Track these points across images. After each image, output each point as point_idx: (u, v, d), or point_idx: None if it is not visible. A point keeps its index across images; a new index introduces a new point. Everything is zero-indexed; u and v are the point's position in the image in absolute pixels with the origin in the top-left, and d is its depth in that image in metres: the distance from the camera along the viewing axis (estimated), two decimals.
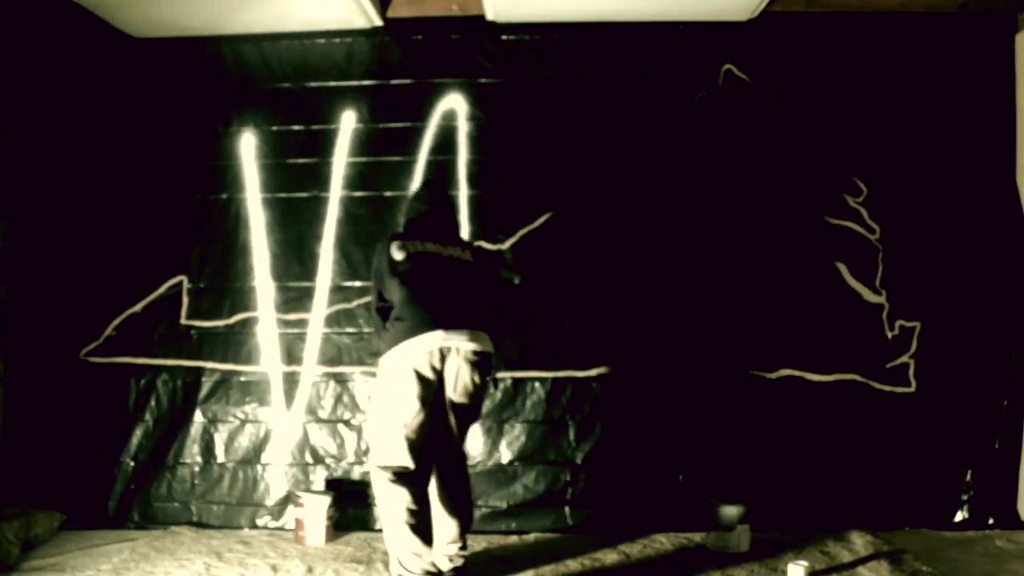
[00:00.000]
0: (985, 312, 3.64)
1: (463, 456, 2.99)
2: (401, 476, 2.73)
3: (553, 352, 3.64)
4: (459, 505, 2.89)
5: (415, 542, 2.70)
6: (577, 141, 3.69)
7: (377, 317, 2.92)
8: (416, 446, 2.72)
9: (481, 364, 2.79)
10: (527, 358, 3.63)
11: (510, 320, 3.52)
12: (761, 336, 3.63)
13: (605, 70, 3.70)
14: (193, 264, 3.74)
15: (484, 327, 2.82)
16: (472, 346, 2.73)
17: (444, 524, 2.86)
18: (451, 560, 2.85)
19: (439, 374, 2.74)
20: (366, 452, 3.62)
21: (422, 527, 2.73)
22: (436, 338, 2.69)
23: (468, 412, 2.86)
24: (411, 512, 2.70)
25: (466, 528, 2.90)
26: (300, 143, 3.74)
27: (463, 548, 2.88)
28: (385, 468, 2.74)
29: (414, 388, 2.70)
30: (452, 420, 2.82)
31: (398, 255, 2.84)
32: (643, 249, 3.66)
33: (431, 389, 2.73)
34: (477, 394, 2.82)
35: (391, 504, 2.72)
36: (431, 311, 2.73)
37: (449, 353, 2.73)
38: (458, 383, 2.75)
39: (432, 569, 2.75)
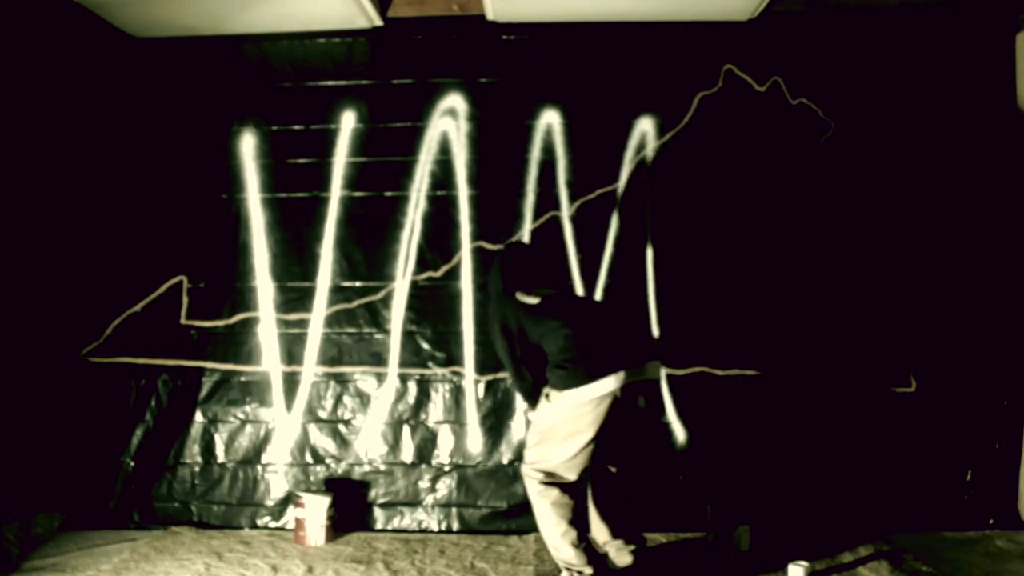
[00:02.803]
0: (985, 312, 3.64)
1: (621, 466, 2.96)
2: (555, 481, 2.79)
3: None
4: (610, 511, 2.94)
5: (565, 526, 2.75)
6: (575, 140, 3.69)
7: (518, 367, 2.90)
8: (581, 466, 2.77)
9: (649, 390, 2.84)
10: None
11: None
12: (759, 335, 3.63)
13: (605, 70, 3.70)
14: (193, 264, 3.74)
15: (653, 353, 2.88)
16: (648, 377, 2.79)
17: (597, 525, 2.94)
18: (617, 552, 2.91)
19: (612, 412, 2.73)
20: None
21: (574, 517, 2.77)
22: (619, 379, 2.69)
23: (630, 441, 2.91)
24: (564, 505, 2.76)
25: (618, 532, 2.93)
26: (300, 143, 3.74)
27: (628, 542, 2.93)
28: (541, 472, 2.79)
29: (593, 427, 2.70)
30: (614, 438, 2.84)
31: (531, 300, 2.86)
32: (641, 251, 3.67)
33: (601, 426, 2.73)
34: (639, 415, 2.85)
35: (543, 502, 2.77)
36: (605, 350, 2.75)
37: (627, 391, 2.74)
38: (632, 416, 2.79)
39: (584, 554, 2.78)
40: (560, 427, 2.77)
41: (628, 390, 2.73)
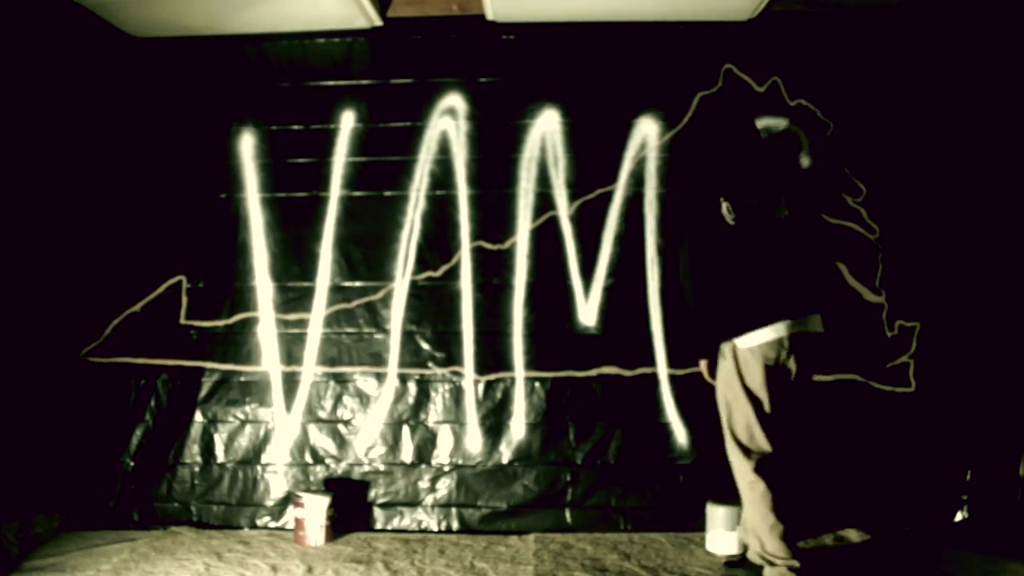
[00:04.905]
0: (986, 312, 3.63)
1: (791, 454, 2.94)
2: (759, 463, 2.82)
3: (554, 352, 3.65)
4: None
5: (773, 519, 2.77)
6: (575, 140, 3.69)
7: (691, 285, 2.98)
8: (766, 429, 2.81)
9: (815, 347, 2.86)
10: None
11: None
12: None
13: (605, 70, 3.70)
14: (192, 264, 3.75)
15: (817, 306, 2.87)
16: (811, 330, 2.82)
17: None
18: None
19: (781, 361, 2.82)
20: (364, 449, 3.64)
21: (781, 507, 2.79)
22: (783, 328, 2.78)
23: (804, 397, 2.90)
24: (770, 495, 2.78)
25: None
26: (299, 143, 3.74)
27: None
28: (742, 451, 2.84)
29: (760, 376, 2.79)
30: (790, 409, 2.88)
31: (727, 218, 2.93)
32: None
33: (775, 377, 2.81)
34: (811, 379, 2.90)
35: (752, 494, 2.82)
36: (774, 298, 2.82)
37: (793, 340, 2.80)
38: (799, 368, 2.83)
39: (789, 548, 2.77)
40: (735, 382, 2.84)
41: (796, 342, 2.79)
